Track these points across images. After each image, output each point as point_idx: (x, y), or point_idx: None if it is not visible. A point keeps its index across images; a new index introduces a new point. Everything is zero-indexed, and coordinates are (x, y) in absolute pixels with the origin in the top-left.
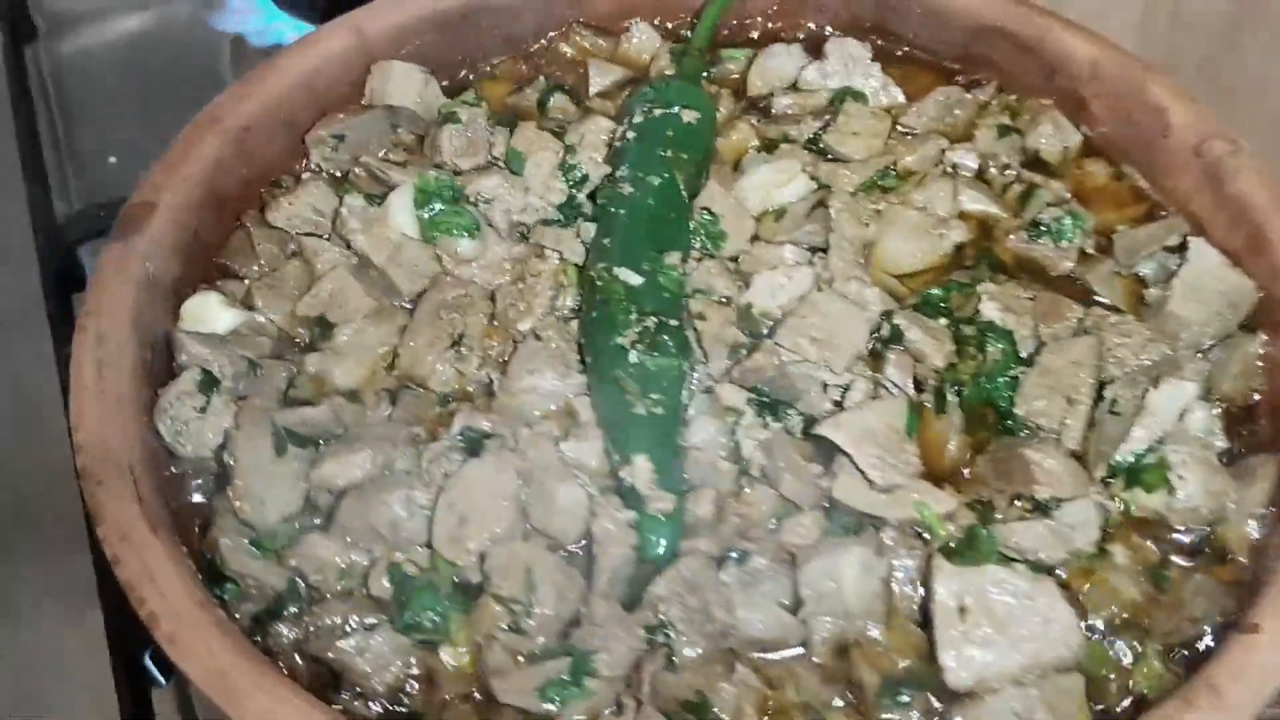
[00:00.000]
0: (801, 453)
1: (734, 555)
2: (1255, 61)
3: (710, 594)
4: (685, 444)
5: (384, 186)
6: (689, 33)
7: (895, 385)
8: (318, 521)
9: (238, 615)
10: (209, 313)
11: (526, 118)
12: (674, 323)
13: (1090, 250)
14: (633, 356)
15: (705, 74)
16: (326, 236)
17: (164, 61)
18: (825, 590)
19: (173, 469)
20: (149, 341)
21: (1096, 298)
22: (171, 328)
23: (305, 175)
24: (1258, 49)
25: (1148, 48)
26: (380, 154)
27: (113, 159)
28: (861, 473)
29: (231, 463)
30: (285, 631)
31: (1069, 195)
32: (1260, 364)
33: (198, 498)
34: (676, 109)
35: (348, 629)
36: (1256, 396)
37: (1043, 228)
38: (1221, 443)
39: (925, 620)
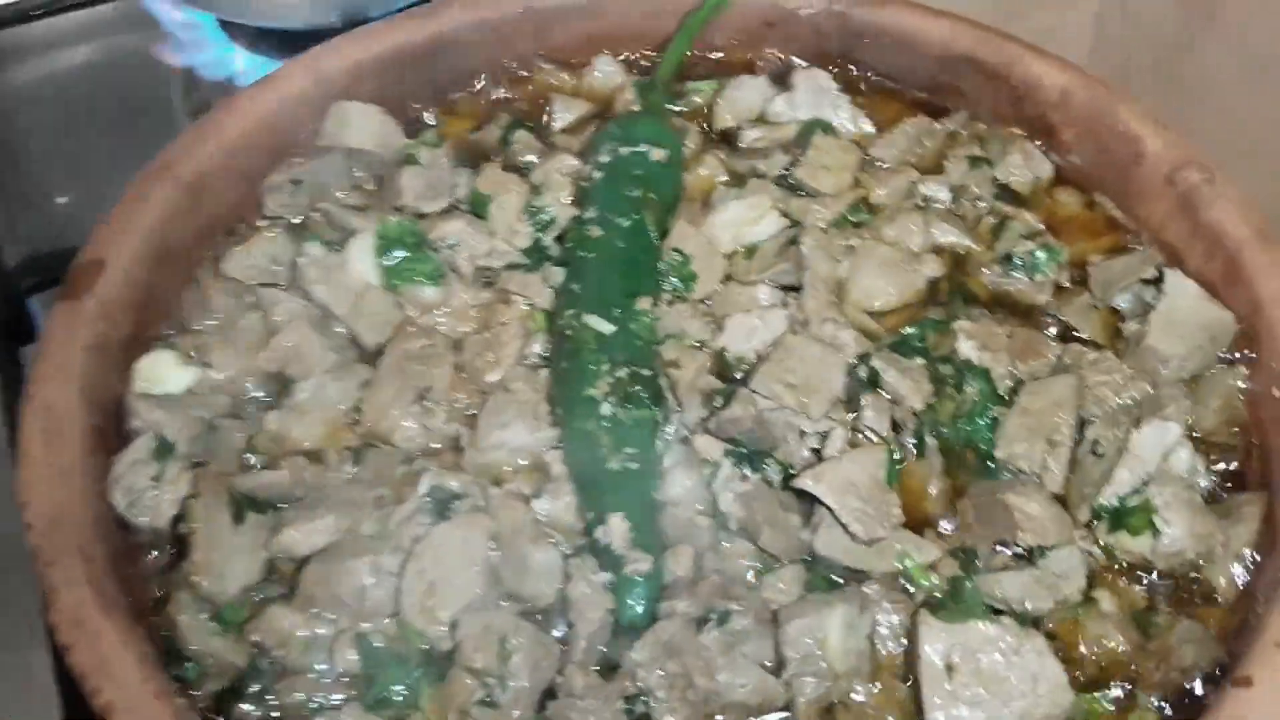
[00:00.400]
0: (781, 504)
1: (714, 616)
2: (1208, 63)
3: (690, 658)
4: (661, 499)
5: (343, 233)
6: (654, 58)
7: (873, 431)
8: (280, 592)
9: (198, 696)
10: (162, 372)
11: (488, 156)
12: (647, 372)
13: (1065, 283)
14: (605, 409)
15: (671, 107)
16: (284, 287)
17: (113, 96)
18: (808, 650)
19: (127, 541)
20: (100, 407)
21: (1073, 332)
22: (123, 390)
23: (261, 223)
24: (1210, 51)
25: (1102, 53)
26: (339, 198)
27: (61, 199)
28: (843, 525)
29: (189, 533)
30: (249, 711)
31: (1042, 227)
32: (1241, 398)
33: (154, 571)
34: (644, 147)
35: (314, 706)
36: (1237, 431)
37: (1017, 261)
38: (1205, 481)
39: (911, 677)
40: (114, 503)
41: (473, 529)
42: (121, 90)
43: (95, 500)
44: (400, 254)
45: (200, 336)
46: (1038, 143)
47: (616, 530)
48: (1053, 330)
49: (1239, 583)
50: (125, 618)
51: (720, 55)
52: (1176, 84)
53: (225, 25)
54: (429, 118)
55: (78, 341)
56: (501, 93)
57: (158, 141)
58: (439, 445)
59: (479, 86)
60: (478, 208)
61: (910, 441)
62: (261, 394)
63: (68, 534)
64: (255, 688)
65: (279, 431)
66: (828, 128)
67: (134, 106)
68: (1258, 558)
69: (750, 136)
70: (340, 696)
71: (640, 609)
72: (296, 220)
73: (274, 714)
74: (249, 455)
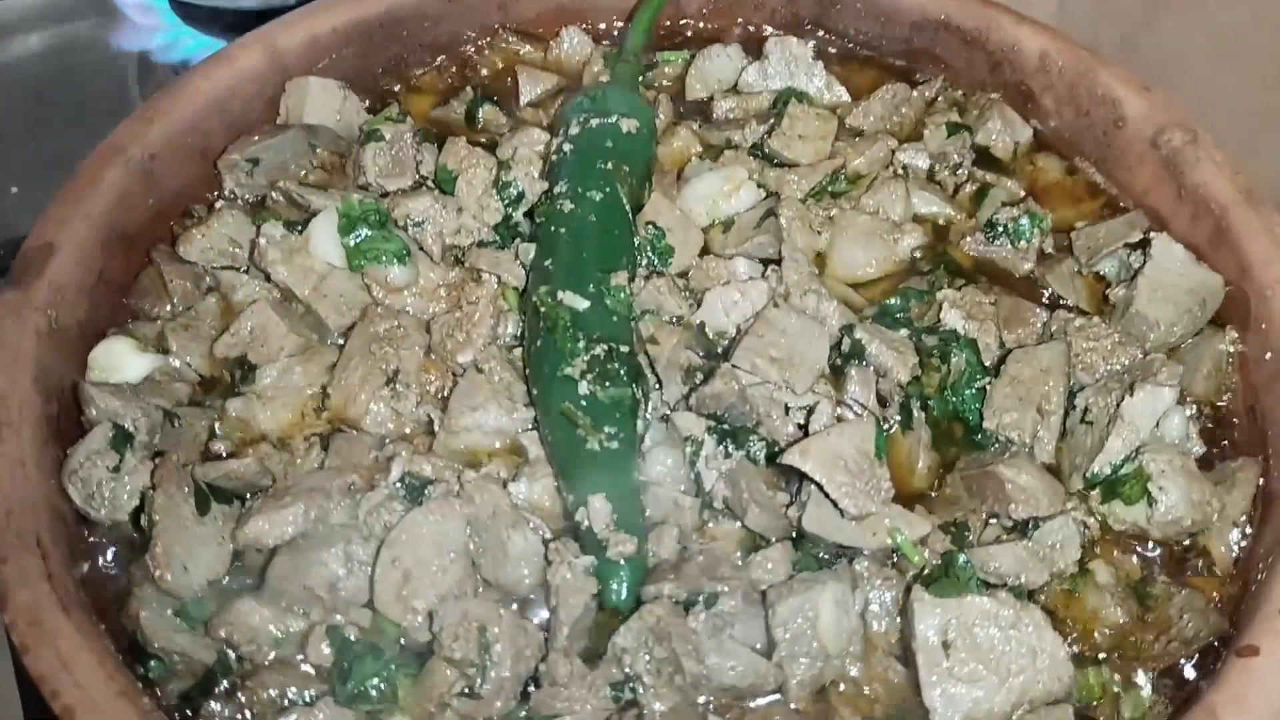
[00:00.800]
0: (766, 481)
1: (701, 598)
2: (1173, 41)
3: (678, 642)
4: (643, 478)
5: (304, 212)
6: (623, 28)
7: (859, 404)
8: (248, 585)
9: (164, 695)
10: (119, 359)
11: (454, 132)
12: (624, 349)
13: (1049, 250)
14: (583, 388)
15: (641, 79)
16: (244, 269)
17: (66, 83)
18: (799, 630)
19: (86, 535)
20: (55, 396)
21: (1059, 299)
22: (79, 378)
23: (219, 203)
24: (1176, 29)
25: (1067, 29)
26: (299, 177)
27: (15, 189)
28: (832, 501)
29: (150, 526)
30: (218, 709)
31: (1023, 193)
32: (1231, 362)
33: (115, 566)
34: (615, 118)
35: (286, 703)
36: (1229, 396)
37: (1000, 229)
38: (1198, 448)
39: (906, 655)
40: (70, 495)
41: (448, 515)
42: (75, 76)
43: (51, 493)
44: (364, 233)
45: (158, 322)
46: (1017, 109)
47: (598, 512)
48: (1038, 297)
49: (1236, 550)
50: (85, 615)
51: (691, 24)
52: (1142, 60)
53: (179, 7)
54: (390, 93)
55: (29, 327)
56: (466, 66)
57: (114, 127)
58: (410, 429)
59: (442, 60)
60: (444, 184)
61: (897, 414)
62: (223, 380)
63: (22, 529)
64: (224, 685)
65: (242, 418)
66: (802, 96)
67: (89, 92)
68: (1254, 524)
69: (724, 107)
70: (313, 692)
71: (625, 593)
72: (255, 200)
73: (244, 712)
74: (212, 444)
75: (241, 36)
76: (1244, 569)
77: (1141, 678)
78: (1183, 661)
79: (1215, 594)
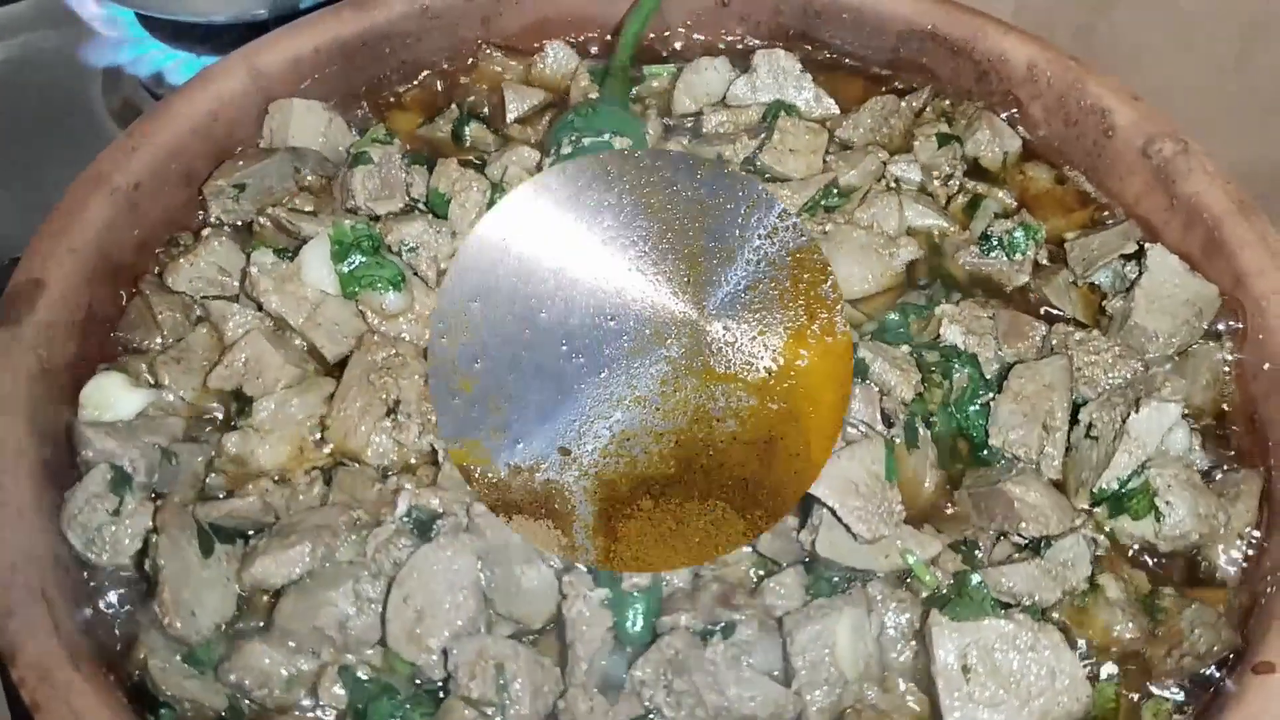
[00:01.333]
0: None
1: (719, 627)
2: (1128, 28)
3: (698, 674)
4: None
5: (294, 239)
6: (608, 42)
7: (864, 423)
8: (256, 626)
9: None
10: (111, 396)
11: (441, 150)
12: None
13: (1042, 260)
14: None
15: (629, 93)
16: (235, 298)
17: (31, 98)
18: (818, 658)
19: (88, 581)
20: (49, 438)
21: (1055, 311)
22: (72, 418)
23: (206, 231)
24: (1131, 16)
25: (1023, 16)
26: (286, 201)
27: None
28: (845, 526)
29: (155, 571)
30: None
31: (1015, 204)
32: (1229, 372)
33: (117, 611)
34: (607, 136)
35: None
36: (1228, 406)
37: (995, 241)
38: (1202, 459)
39: (924, 679)
40: (70, 541)
41: (458, 549)
42: (39, 93)
43: (51, 540)
44: (358, 259)
45: (148, 355)
46: (1004, 115)
47: None
48: (1032, 309)
49: (1242, 562)
50: (96, 667)
51: (674, 36)
52: (1100, 48)
53: (147, 20)
54: (376, 113)
55: (20, 368)
56: (450, 83)
57: (81, 143)
58: (414, 460)
59: (426, 77)
60: (437, 207)
61: (901, 433)
62: (219, 414)
63: (25, 580)
64: None
65: (240, 454)
66: (791, 109)
67: (54, 110)
68: (1260, 535)
69: (713, 121)
70: None
71: (641, 625)
72: (242, 226)
73: None
74: (211, 480)
75: (221, 58)
76: (1250, 580)
77: (1159, 693)
78: (1198, 676)
79: (1223, 606)
